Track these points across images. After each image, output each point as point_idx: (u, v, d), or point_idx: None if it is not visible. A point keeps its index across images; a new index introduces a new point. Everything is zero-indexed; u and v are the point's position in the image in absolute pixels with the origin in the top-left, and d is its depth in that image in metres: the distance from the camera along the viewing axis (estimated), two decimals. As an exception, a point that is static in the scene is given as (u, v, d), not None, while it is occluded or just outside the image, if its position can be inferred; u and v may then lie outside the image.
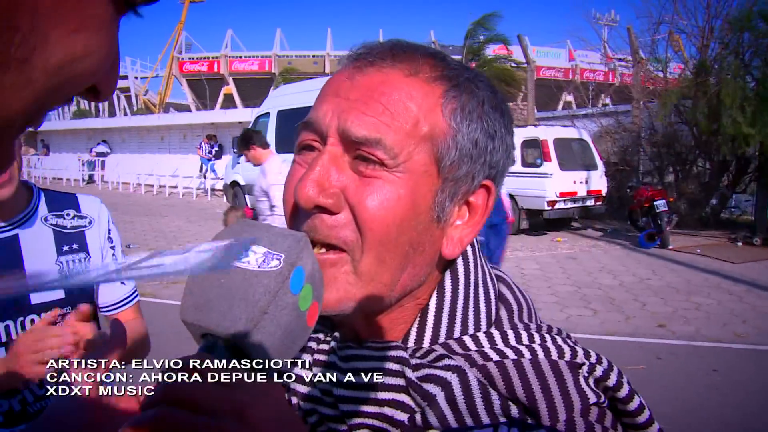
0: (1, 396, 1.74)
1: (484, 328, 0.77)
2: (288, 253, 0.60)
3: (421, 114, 0.73)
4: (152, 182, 26.14)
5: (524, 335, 0.76)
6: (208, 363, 0.53)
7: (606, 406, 0.72)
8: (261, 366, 0.59)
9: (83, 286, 1.86)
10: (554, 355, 0.73)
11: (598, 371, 0.73)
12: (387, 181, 0.71)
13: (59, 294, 1.82)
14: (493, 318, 0.79)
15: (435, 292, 0.79)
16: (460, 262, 0.80)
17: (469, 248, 0.82)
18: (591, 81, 30.40)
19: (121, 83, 45.73)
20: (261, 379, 0.55)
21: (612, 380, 0.73)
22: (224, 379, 0.53)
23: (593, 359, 0.74)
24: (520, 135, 13.95)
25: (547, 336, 0.76)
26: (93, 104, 49.53)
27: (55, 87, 0.40)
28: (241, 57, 41.90)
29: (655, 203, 12.21)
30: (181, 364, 0.53)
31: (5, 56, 0.36)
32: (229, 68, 41.37)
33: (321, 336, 0.83)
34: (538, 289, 8.94)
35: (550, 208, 13.57)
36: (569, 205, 13.97)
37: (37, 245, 1.82)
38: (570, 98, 32.89)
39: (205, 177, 24.30)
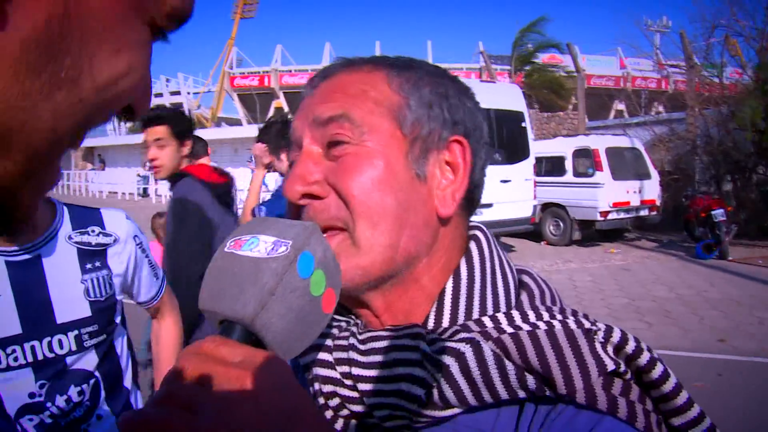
0: (32, 411, 1.76)
1: (503, 309, 0.78)
2: (295, 239, 0.63)
3: (375, 94, 0.80)
4: (205, 195, 26.37)
5: (545, 314, 0.75)
6: (218, 343, 0.57)
7: (631, 380, 0.71)
8: (274, 349, 0.61)
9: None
10: (572, 326, 0.72)
11: (615, 337, 0.71)
12: (357, 154, 0.77)
13: (86, 312, 1.82)
14: (513, 301, 0.80)
15: (452, 274, 0.81)
16: (473, 246, 0.83)
17: (481, 235, 0.85)
18: (643, 89, 29.87)
19: (174, 99, 46.89)
20: (264, 356, 0.57)
21: (630, 346, 0.70)
22: (230, 357, 0.56)
23: (618, 334, 0.72)
24: (570, 144, 13.80)
25: (570, 316, 0.75)
26: (147, 120, 51.06)
27: (101, 104, 0.43)
28: (290, 71, 42.56)
29: (712, 213, 11.81)
30: (192, 347, 0.57)
31: (57, 78, 0.39)
32: (279, 82, 42.05)
33: (344, 323, 0.84)
34: (590, 301, 8.73)
35: (602, 218, 13.29)
36: (622, 215, 13.65)
37: (60, 265, 1.80)
38: (621, 107, 32.38)
39: (255, 190, 24.49)
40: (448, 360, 0.71)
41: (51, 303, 1.76)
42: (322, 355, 0.81)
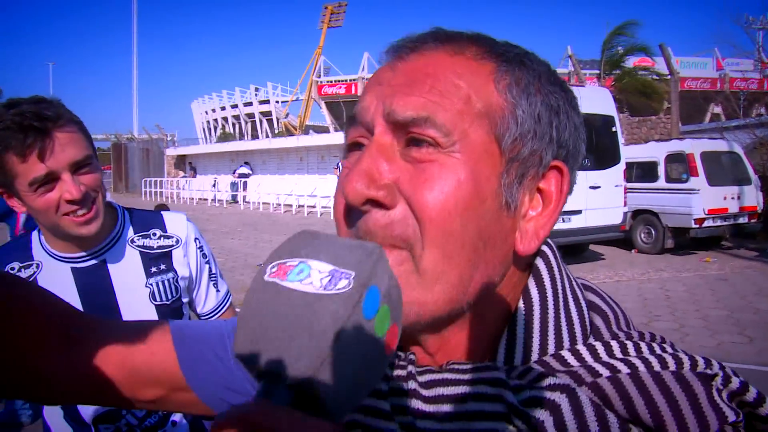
0: (107, 420, 1.79)
1: (581, 340, 0.67)
2: (358, 270, 0.50)
3: (473, 90, 0.65)
4: (291, 202, 27.01)
5: (630, 345, 0.66)
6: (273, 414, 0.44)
7: (743, 426, 0.60)
8: (331, 410, 0.49)
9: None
10: (672, 365, 0.62)
11: (735, 383, 0.61)
12: (444, 165, 0.63)
13: (152, 316, 1.82)
14: (589, 328, 0.69)
15: (521, 300, 0.68)
16: (542, 266, 0.70)
17: (548, 250, 0.72)
18: (742, 90, 28.46)
19: (262, 107, 48.25)
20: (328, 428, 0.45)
21: (752, 394, 0.61)
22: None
23: (717, 368, 0.63)
24: (663, 149, 13.30)
25: (655, 345, 0.66)
26: (237, 128, 52.32)
27: None
28: (376, 79, 42.78)
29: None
30: (226, 418, 0.43)
31: None
32: (364, 90, 42.36)
33: (395, 360, 0.71)
34: (684, 312, 8.35)
35: (697, 226, 12.71)
36: (719, 222, 13.01)
37: (125, 269, 1.81)
38: (718, 110, 30.98)
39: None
40: (542, 414, 0.60)
41: (118, 308, 1.77)
42: (376, 403, 0.68)
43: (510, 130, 0.65)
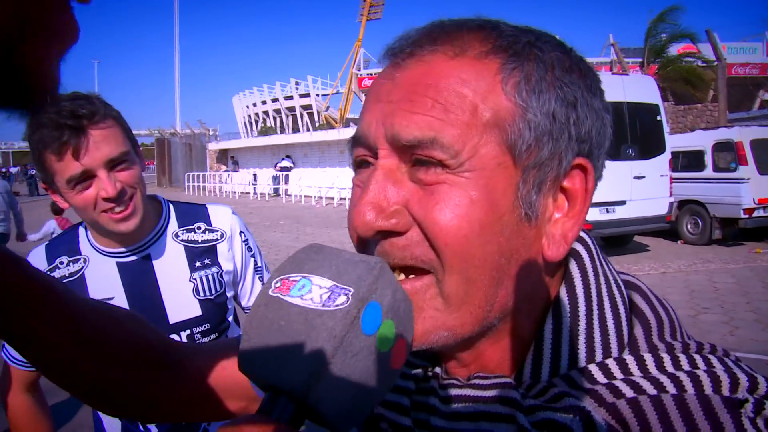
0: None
1: (615, 353, 0.63)
2: (357, 286, 0.51)
3: (479, 98, 0.60)
4: (333, 195, 27.17)
5: (667, 359, 0.60)
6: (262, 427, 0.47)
7: None
8: (333, 422, 0.51)
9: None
10: (708, 388, 0.56)
11: None
12: (453, 185, 0.60)
13: (197, 310, 1.82)
14: (626, 339, 0.64)
15: (551, 310, 0.65)
16: (575, 270, 0.67)
17: (582, 249, 0.68)
18: (793, 76, 27.62)
19: (303, 101, 48.49)
20: None
21: None
22: None
23: (763, 389, 0.57)
24: (710, 138, 12.99)
25: (698, 358, 0.60)
26: (277, 122, 52.58)
27: None
28: (416, 71, 42.65)
29: None
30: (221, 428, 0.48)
31: None
32: (404, 82, 42.25)
33: (421, 373, 0.71)
34: (733, 305, 8.16)
35: (746, 216, 12.36)
36: (770, 212, 12.67)
37: (169, 264, 1.81)
38: (768, 96, 30.11)
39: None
40: None
41: (163, 303, 1.78)
42: (398, 418, 0.70)
43: (523, 136, 0.61)
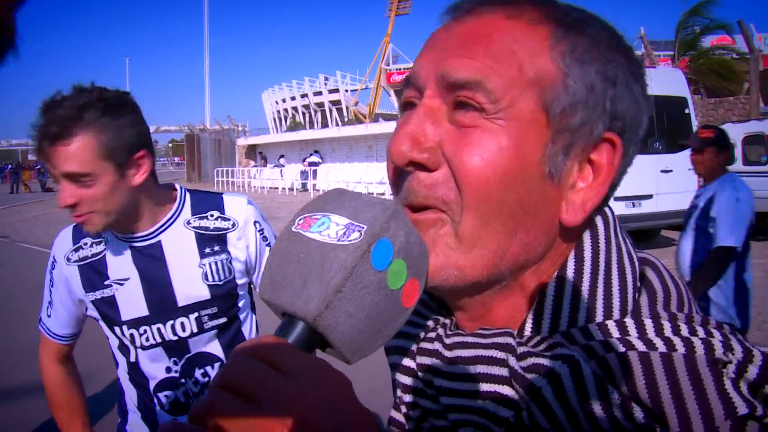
0: (168, 388, 1.94)
1: (616, 315, 0.64)
2: (371, 224, 0.55)
3: (526, 57, 0.64)
4: (361, 189, 27.09)
5: (667, 326, 0.61)
6: (274, 347, 0.52)
7: None
8: (342, 351, 0.55)
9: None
10: (699, 351, 0.57)
11: (751, 373, 0.57)
12: (486, 130, 0.63)
13: (205, 295, 1.90)
14: (630, 305, 0.65)
15: (557, 271, 0.68)
16: (587, 238, 0.69)
17: (600, 221, 0.70)
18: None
19: (332, 96, 48.60)
20: (322, 367, 0.51)
21: None
22: (284, 366, 0.50)
23: (758, 361, 0.58)
24: (740, 130, 12.76)
25: (699, 328, 0.61)
26: (306, 117, 52.59)
27: None
28: (443, 66, 42.45)
29: None
30: (246, 347, 0.52)
31: None
32: (433, 77, 42.07)
33: (431, 323, 0.75)
34: (763, 299, 8.02)
35: (778, 210, 12.17)
36: (801, 207, 12.41)
37: (179, 249, 1.90)
38: (804, 89, 29.41)
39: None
40: (540, 381, 0.60)
41: (172, 287, 1.87)
42: (405, 361, 0.75)
43: (559, 99, 0.64)
